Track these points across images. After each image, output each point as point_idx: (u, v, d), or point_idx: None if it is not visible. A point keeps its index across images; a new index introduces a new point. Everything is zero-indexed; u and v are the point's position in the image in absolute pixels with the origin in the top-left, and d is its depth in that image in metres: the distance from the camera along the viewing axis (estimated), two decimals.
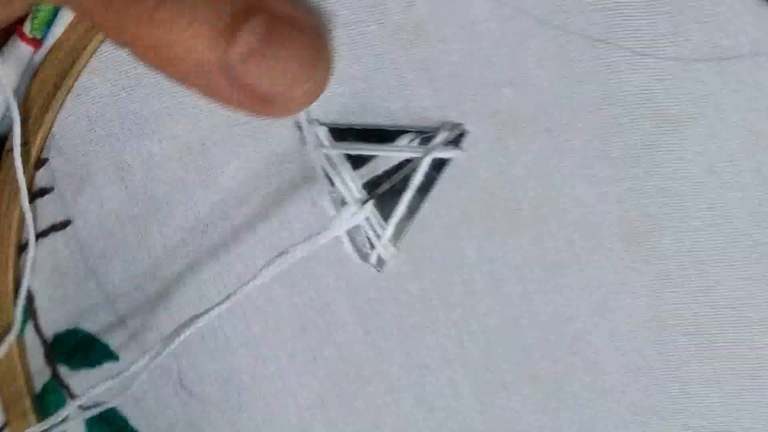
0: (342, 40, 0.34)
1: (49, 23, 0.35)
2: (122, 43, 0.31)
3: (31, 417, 0.39)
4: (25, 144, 0.37)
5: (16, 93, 0.36)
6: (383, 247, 0.36)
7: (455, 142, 0.34)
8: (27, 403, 0.39)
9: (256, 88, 0.31)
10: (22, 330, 0.39)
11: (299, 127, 0.35)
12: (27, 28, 0.35)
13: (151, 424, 0.39)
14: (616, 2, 0.33)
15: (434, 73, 0.34)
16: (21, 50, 0.35)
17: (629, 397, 0.36)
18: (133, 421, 0.39)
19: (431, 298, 0.36)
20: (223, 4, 0.30)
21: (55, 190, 0.37)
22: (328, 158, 0.35)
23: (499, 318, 0.36)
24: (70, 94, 0.36)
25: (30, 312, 0.39)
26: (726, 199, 0.34)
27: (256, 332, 0.37)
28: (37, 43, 0.35)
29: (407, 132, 0.35)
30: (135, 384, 0.38)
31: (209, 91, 0.31)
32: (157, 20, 0.29)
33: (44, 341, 0.39)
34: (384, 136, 0.35)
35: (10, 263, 0.38)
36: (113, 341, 0.39)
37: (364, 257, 0.36)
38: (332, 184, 0.36)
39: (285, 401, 0.38)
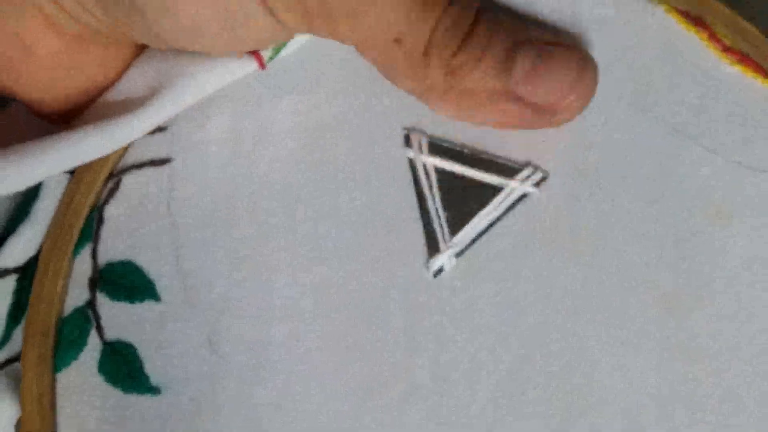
0: None
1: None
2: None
3: (50, 336, 0.40)
4: None
5: None
6: (447, 257, 0.39)
7: (536, 182, 0.39)
8: (51, 320, 0.40)
9: (536, 103, 0.37)
10: (77, 250, 0.40)
11: (407, 135, 0.40)
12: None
13: (166, 374, 0.40)
14: (702, 102, 0.39)
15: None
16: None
17: None
18: (148, 366, 0.40)
19: (477, 311, 0.39)
20: (497, 43, 0.37)
21: (168, 130, 0.41)
22: (424, 166, 0.40)
23: (534, 340, 0.39)
24: None
25: (94, 234, 0.41)
26: (754, 297, 0.38)
27: (303, 307, 0.40)
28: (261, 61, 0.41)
29: (496, 162, 0.40)
30: (167, 329, 0.39)
31: (504, 116, 0.38)
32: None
33: (95, 266, 0.41)
34: (477, 161, 0.40)
35: (96, 186, 0.41)
36: (161, 282, 0.40)
37: (426, 261, 0.39)
38: (418, 190, 0.40)
39: (306, 384, 0.39)
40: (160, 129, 0.41)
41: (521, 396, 0.39)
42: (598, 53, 0.39)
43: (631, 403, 0.38)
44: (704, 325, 0.38)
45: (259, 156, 0.41)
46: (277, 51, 0.40)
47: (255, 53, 0.40)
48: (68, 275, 0.41)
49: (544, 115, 0.37)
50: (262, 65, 0.40)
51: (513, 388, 0.39)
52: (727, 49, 0.39)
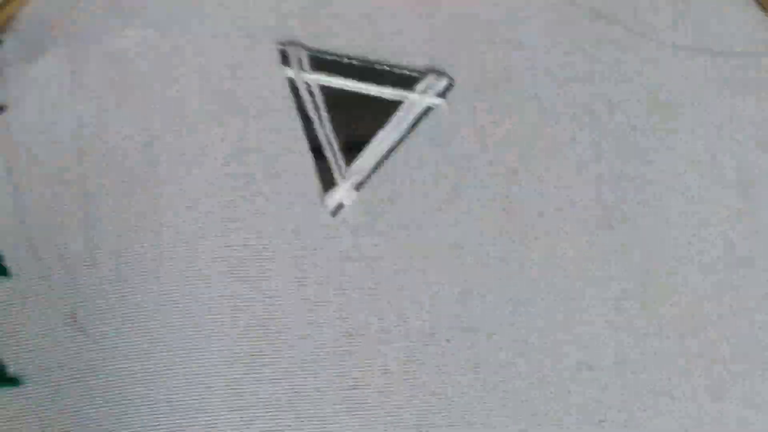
0: None
1: None
2: None
3: None
4: None
5: None
6: (345, 191, 0.33)
7: (441, 92, 0.33)
8: None
9: None
10: None
11: (282, 51, 0.34)
12: None
13: (25, 360, 0.33)
14: None
15: (435, 19, 0.34)
16: None
17: (571, 393, 0.33)
18: (5, 355, 0.33)
19: (382, 256, 0.33)
20: None
21: (2, 74, 0.34)
22: (307, 85, 0.34)
23: (450, 290, 0.33)
24: None
25: None
26: (704, 195, 0.33)
27: (178, 266, 0.33)
28: None
29: (389, 71, 0.34)
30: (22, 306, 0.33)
31: None
32: None
33: None
34: (368, 74, 0.34)
35: None
36: (9, 254, 0.34)
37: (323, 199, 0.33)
38: (303, 115, 0.34)
39: (193, 349, 0.33)
40: None
41: (439, 357, 0.33)
42: None
43: (582, 355, 0.33)
44: (653, 237, 0.33)
45: (104, 89, 0.34)
46: None
47: None
48: None
49: None
50: None
51: (429, 348, 0.33)
52: None
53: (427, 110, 0.33)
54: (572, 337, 0.33)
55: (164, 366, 0.33)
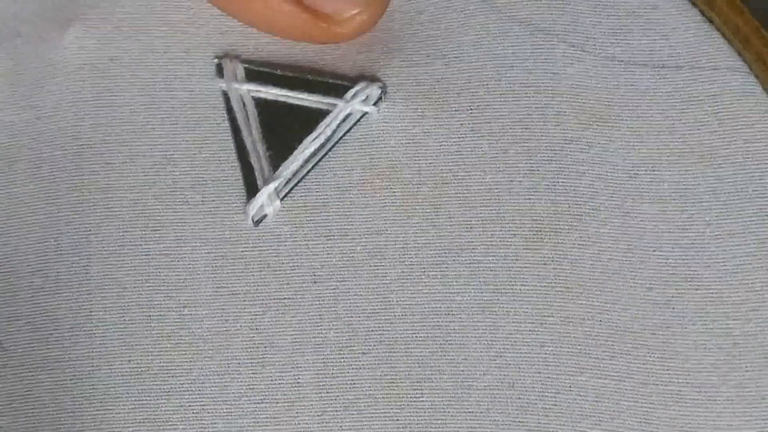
0: None
1: None
2: None
3: None
4: None
5: None
6: (268, 198, 0.32)
7: (372, 100, 0.33)
8: None
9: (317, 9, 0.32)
10: None
11: (219, 64, 0.34)
12: None
13: None
14: None
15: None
16: None
17: (496, 411, 0.30)
18: None
19: (302, 265, 0.32)
20: None
21: None
22: (240, 97, 0.33)
23: (369, 302, 0.31)
24: None
25: None
26: (642, 209, 0.31)
27: (93, 276, 0.32)
28: None
29: (321, 80, 0.33)
30: None
31: (274, 16, 0.33)
32: None
33: None
34: (300, 84, 0.33)
35: None
36: None
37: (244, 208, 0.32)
38: (233, 126, 0.33)
39: (106, 364, 0.32)
40: None
41: (355, 371, 0.31)
42: None
43: (503, 372, 0.30)
44: (587, 250, 0.31)
45: (40, 99, 0.34)
46: None
47: None
48: None
49: (324, 22, 0.32)
50: None
51: (345, 360, 0.31)
52: None
53: (359, 118, 0.33)
54: (494, 353, 0.30)
55: (72, 375, 0.32)
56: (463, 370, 0.31)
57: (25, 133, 0.34)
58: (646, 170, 0.31)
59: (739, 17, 0.32)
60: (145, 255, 0.32)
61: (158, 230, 0.33)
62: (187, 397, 0.31)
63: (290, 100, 0.33)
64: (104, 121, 0.34)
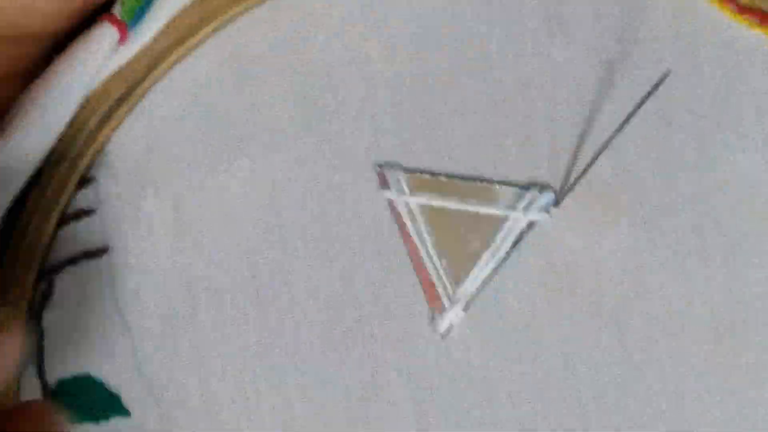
0: (443, 89, 0.34)
1: (138, 12, 0.33)
2: None
3: None
4: (75, 157, 0.34)
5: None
6: (455, 313, 0.33)
7: (544, 206, 0.33)
8: None
9: None
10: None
11: (380, 173, 0.34)
12: (117, 10, 0.33)
13: None
14: (726, 84, 0.33)
15: (533, 132, 0.33)
16: (106, 32, 0.33)
17: None
18: None
19: (494, 375, 0.33)
20: None
21: (97, 213, 0.34)
22: (408, 207, 0.33)
23: (565, 409, 0.33)
24: (134, 111, 0.34)
25: (36, 351, 0.34)
26: None
27: (297, 412, 0.34)
28: (123, 29, 0.33)
29: (490, 188, 0.33)
30: None
31: None
32: None
33: (45, 386, 0.34)
34: (467, 191, 0.33)
35: (27, 291, 0.34)
36: (126, 394, 0.34)
37: (431, 320, 0.34)
38: (405, 237, 0.34)
39: None
40: (88, 212, 0.34)
41: None
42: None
43: None
44: (758, 343, 0.33)
45: (207, 229, 0.34)
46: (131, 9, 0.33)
47: (107, 16, 0.33)
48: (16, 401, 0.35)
49: None
50: (121, 30, 0.33)
51: None
52: (743, 10, 0.33)
53: (531, 225, 0.33)
54: None
55: None
56: None
57: (201, 267, 0.34)
58: None
59: None
60: (343, 388, 0.34)
61: (350, 360, 0.34)
62: None
63: (461, 208, 0.33)
64: (278, 253, 0.34)
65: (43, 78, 0.33)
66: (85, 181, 0.34)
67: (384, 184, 0.34)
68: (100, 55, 0.32)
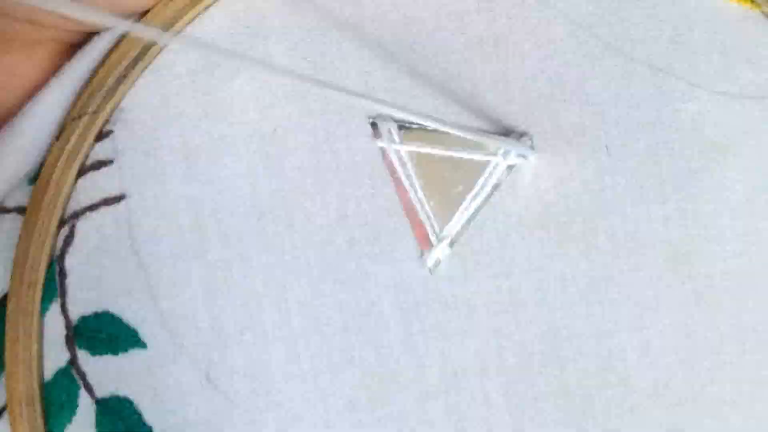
0: (424, 47, 0.37)
1: None
2: None
3: (36, 404, 0.37)
4: (94, 112, 0.37)
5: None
6: (441, 249, 0.37)
7: (522, 151, 0.37)
8: (33, 387, 0.37)
9: None
10: (44, 307, 0.37)
11: (373, 123, 0.37)
12: None
13: (167, 421, 0.37)
14: (678, 35, 0.36)
15: (508, 85, 0.37)
16: None
17: (654, 414, 0.37)
18: (148, 417, 0.37)
19: (477, 303, 0.37)
20: None
21: (114, 164, 0.37)
22: (398, 154, 0.37)
23: (539, 328, 0.37)
24: (149, 69, 0.37)
25: (59, 289, 0.38)
26: (758, 228, 0.37)
27: (295, 327, 0.37)
28: None
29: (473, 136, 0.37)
30: (160, 375, 0.37)
31: None
32: None
33: (68, 322, 0.38)
34: (453, 140, 0.37)
35: (49, 236, 0.37)
36: (143, 328, 0.37)
37: (420, 256, 0.37)
38: (396, 181, 0.37)
39: (314, 403, 0.37)
40: (106, 163, 0.37)
41: (535, 388, 0.37)
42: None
43: (658, 376, 0.37)
44: (716, 267, 0.37)
45: (216, 173, 0.37)
46: None
47: None
48: (40, 336, 0.38)
49: None
50: None
51: (526, 373, 0.37)
52: None
53: (510, 168, 0.37)
54: (649, 361, 0.37)
55: (293, 419, 0.37)
56: (624, 378, 0.37)
57: (209, 206, 0.37)
58: (760, 193, 0.37)
59: None
60: (338, 306, 0.37)
61: (346, 283, 0.37)
62: (390, 426, 0.37)
63: (447, 155, 0.37)
64: (278, 186, 0.37)
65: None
66: (103, 134, 0.37)
67: (377, 134, 0.37)
68: None
